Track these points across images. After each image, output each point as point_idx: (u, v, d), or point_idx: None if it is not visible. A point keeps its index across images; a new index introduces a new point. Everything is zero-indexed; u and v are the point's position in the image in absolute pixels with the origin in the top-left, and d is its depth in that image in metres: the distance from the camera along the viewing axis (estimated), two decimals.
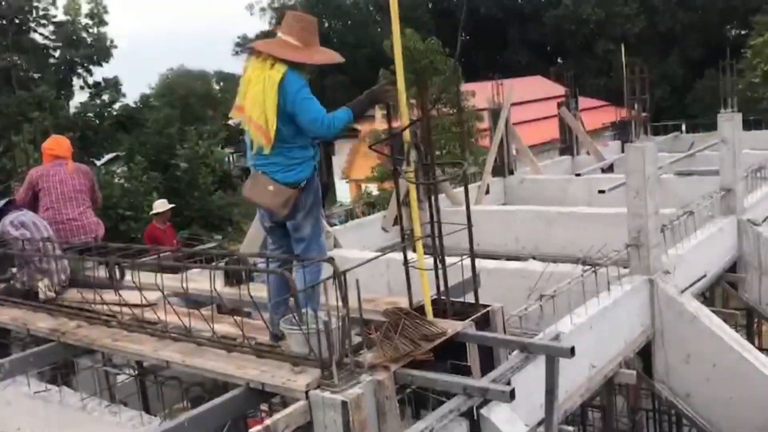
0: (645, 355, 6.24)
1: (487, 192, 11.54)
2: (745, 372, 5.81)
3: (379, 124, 26.73)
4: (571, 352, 3.70)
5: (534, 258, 8.95)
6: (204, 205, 16.41)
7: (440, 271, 4.33)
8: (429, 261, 4.40)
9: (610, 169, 13.50)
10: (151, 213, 10.84)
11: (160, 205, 10.19)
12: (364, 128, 29.31)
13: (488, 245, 9.53)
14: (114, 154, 20.10)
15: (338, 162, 34.60)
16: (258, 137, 4.01)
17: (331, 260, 3.59)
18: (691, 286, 6.59)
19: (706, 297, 8.08)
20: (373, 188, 25.91)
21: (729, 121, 8.21)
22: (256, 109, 3.99)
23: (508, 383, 3.83)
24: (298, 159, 4.14)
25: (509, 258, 9.10)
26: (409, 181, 4.12)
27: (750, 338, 8.73)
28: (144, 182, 15.56)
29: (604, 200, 10.58)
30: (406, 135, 4.17)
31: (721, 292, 9.09)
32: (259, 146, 4.06)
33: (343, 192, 32.23)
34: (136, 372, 6.06)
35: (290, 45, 4.10)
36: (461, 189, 11.17)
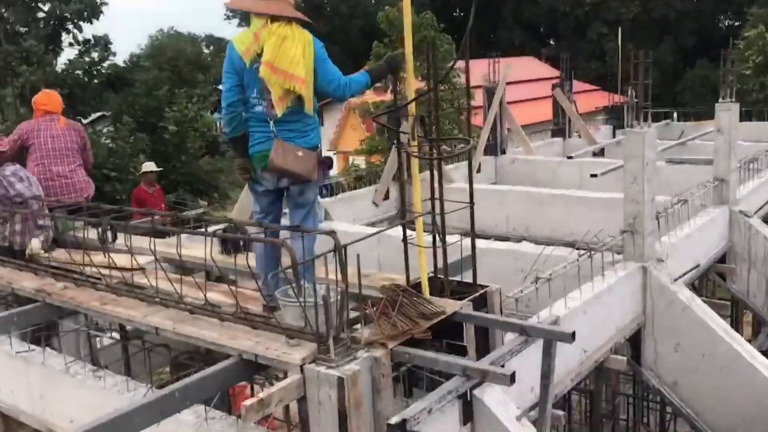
0: (634, 341, 6.23)
1: (478, 171, 11.46)
2: (733, 363, 5.83)
3: (370, 96, 26.58)
4: (572, 337, 3.66)
5: (525, 239, 8.92)
6: (191, 169, 16.20)
7: (439, 250, 4.25)
8: (427, 238, 4.33)
9: (601, 153, 13.46)
10: (138, 174, 10.67)
11: (148, 166, 10.03)
12: (354, 100, 29.14)
13: (478, 224, 9.45)
14: (101, 113, 19.76)
15: (326, 133, 34.37)
16: (305, 91, 4.08)
17: (332, 233, 3.50)
18: (683, 275, 6.58)
19: (695, 287, 8.10)
20: (361, 161, 25.78)
21: (726, 111, 8.16)
22: (299, 67, 4.04)
23: (502, 366, 3.79)
24: (311, 125, 4.31)
25: (498, 238, 9.06)
26: (413, 155, 4.02)
27: (736, 329, 8.78)
28: (131, 143, 15.30)
29: (595, 184, 10.55)
30: (412, 108, 4.07)
31: (708, 282, 9.14)
32: (291, 107, 4.11)
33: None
34: (121, 336, 5.97)
35: (293, 6, 4.22)
36: (451, 166, 11.13)
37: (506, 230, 9.63)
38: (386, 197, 10.27)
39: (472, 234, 4.25)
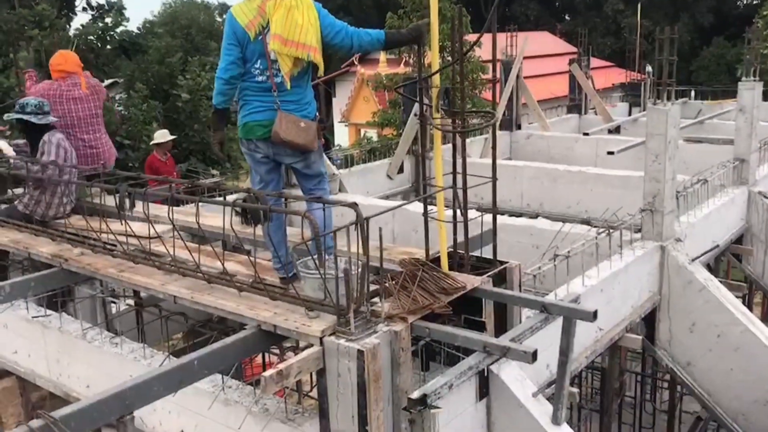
0: (649, 321, 6.21)
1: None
2: (749, 345, 5.80)
3: (383, 68, 26.35)
4: (594, 315, 3.62)
5: (539, 215, 8.87)
6: (203, 138, 16.14)
7: (459, 225, 4.20)
8: (447, 213, 4.28)
9: (617, 130, 13.34)
10: (151, 143, 10.60)
11: (161, 136, 9.94)
12: (367, 71, 28.89)
13: (490, 199, 9.42)
14: (113, 80, 19.68)
15: (338, 104, 34.14)
16: (318, 58, 4.07)
17: (354, 205, 3.46)
18: (701, 255, 6.52)
19: (711, 267, 8.04)
20: (373, 134, 25.64)
21: (750, 89, 8.04)
22: (310, 35, 4.01)
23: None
24: (309, 97, 4.28)
25: (512, 214, 9.01)
26: (437, 127, 3.96)
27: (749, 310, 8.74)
28: (143, 111, 15.23)
29: (610, 161, 10.47)
30: (437, 79, 4.00)
31: (722, 262, 9.07)
32: (300, 74, 4.10)
33: (343, 135, 31.87)
34: (136, 303, 5.99)
35: None
36: (468, 141, 11.01)
37: (520, 206, 9.58)
38: (400, 170, 10.23)
39: (494, 209, 4.20)
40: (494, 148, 4.16)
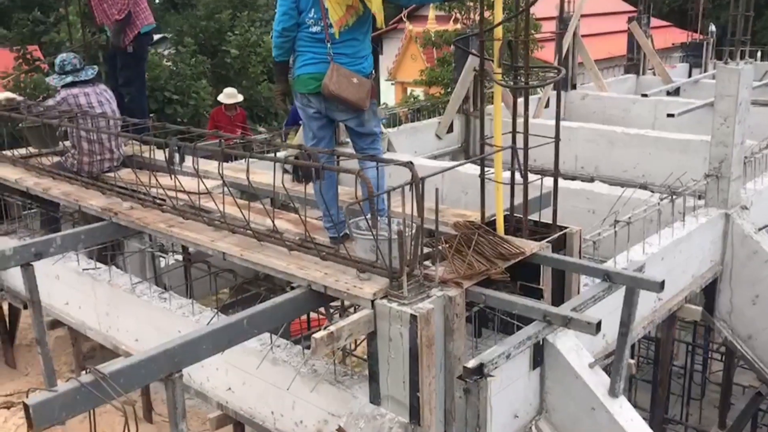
0: (709, 291, 5.96)
1: (547, 105, 11.01)
2: None
3: (431, 25, 25.81)
4: (661, 286, 3.43)
5: (593, 179, 8.58)
6: (252, 95, 16.03)
7: (517, 188, 4.02)
8: (504, 174, 4.10)
9: (676, 92, 12.79)
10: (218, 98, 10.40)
11: (225, 97, 9.65)
12: (415, 28, 28.35)
13: (544, 161, 9.14)
14: (162, 35, 19.63)
15: (385, 62, 33.67)
16: (374, 4, 3.87)
17: (410, 164, 3.31)
18: None
19: None
20: (419, 92, 25.27)
21: None
22: None
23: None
24: (365, 51, 4.09)
25: (565, 177, 8.73)
26: (498, 83, 3.75)
27: None
28: (192, 66, 15.19)
29: (670, 124, 10.03)
30: (499, 32, 3.78)
31: None
32: (350, 27, 3.91)
33: (389, 94, 31.52)
34: (184, 259, 5.98)
35: None
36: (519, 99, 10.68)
37: (574, 169, 9.27)
38: (450, 130, 9.98)
39: (555, 172, 4.01)
40: (558, 106, 3.94)
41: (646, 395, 7.55)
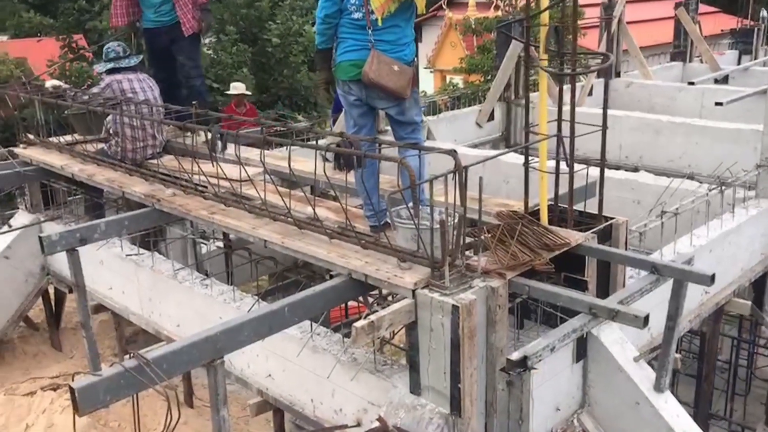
0: (758, 285, 5.79)
1: (590, 93, 10.81)
2: None
3: (472, 12, 25.54)
4: (711, 279, 3.33)
5: (637, 169, 8.40)
6: (292, 84, 16.03)
7: (562, 177, 3.94)
8: (549, 164, 4.02)
9: (724, 80, 12.43)
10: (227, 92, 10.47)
11: (233, 88, 9.63)
12: (455, 15, 28.07)
13: (587, 150, 8.97)
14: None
15: (424, 50, 33.44)
16: None
17: (453, 152, 3.26)
18: None
19: None
20: (459, 80, 25.05)
21: None
22: None
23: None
24: (409, 37, 4.02)
25: (609, 167, 8.56)
26: (545, 70, 3.67)
27: None
28: (233, 54, 15.26)
29: (718, 113, 9.76)
30: (545, 17, 3.69)
31: None
32: (392, 14, 3.83)
33: (428, 82, 31.31)
34: (225, 245, 6.02)
35: None
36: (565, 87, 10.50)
37: (618, 158, 9.08)
38: (490, 118, 9.86)
39: (602, 161, 3.91)
40: (606, 94, 3.85)
41: (688, 389, 7.40)
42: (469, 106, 10.67)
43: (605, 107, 3.84)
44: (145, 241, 5.79)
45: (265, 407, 4.51)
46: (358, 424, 3.81)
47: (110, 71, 6.01)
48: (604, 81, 4.00)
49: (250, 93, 10.23)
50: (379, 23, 3.85)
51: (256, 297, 4.55)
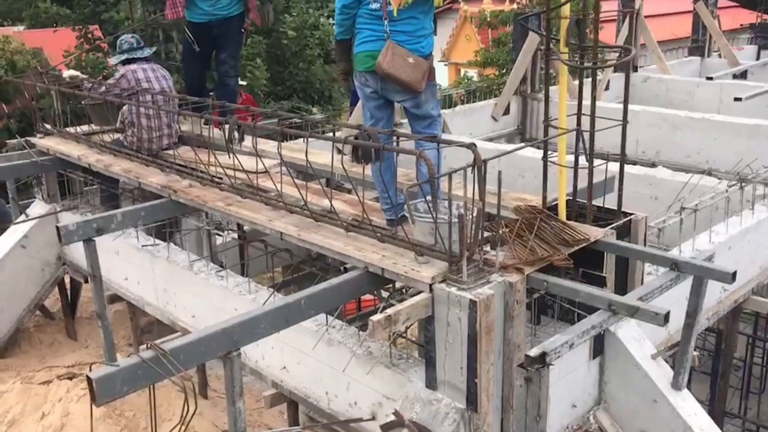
0: None
1: (607, 88, 10.72)
2: None
3: (487, 5, 25.39)
4: (733, 277, 3.29)
5: (654, 164, 8.33)
6: (307, 76, 16.02)
7: (580, 172, 3.90)
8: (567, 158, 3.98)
9: (742, 75, 12.30)
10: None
11: None
12: (471, 8, 27.93)
13: (605, 146, 8.89)
14: None
15: (438, 43, 33.28)
16: None
17: (472, 146, 3.23)
18: None
19: None
20: (473, 74, 24.94)
21: None
22: None
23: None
24: (427, 30, 3.96)
25: (626, 162, 8.49)
26: (565, 63, 3.63)
27: None
28: (247, 46, 15.28)
29: (736, 109, 9.65)
30: (566, 9, 3.65)
31: None
32: (409, 5, 3.78)
33: (442, 75, 31.18)
34: (240, 237, 6.03)
35: None
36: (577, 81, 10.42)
37: (635, 153, 9.00)
38: (506, 112, 9.81)
39: (622, 156, 3.87)
40: (626, 88, 3.80)
41: (701, 387, 7.35)
42: (484, 99, 10.61)
43: (626, 101, 3.80)
44: (160, 231, 5.81)
45: (279, 399, 4.52)
46: (373, 418, 3.81)
47: (125, 62, 6.02)
48: (626, 75, 3.94)
49: (245, 83, 10.00)
50: (395, 14, 3.80)
51: (272, 289, 4.55)
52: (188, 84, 6.80)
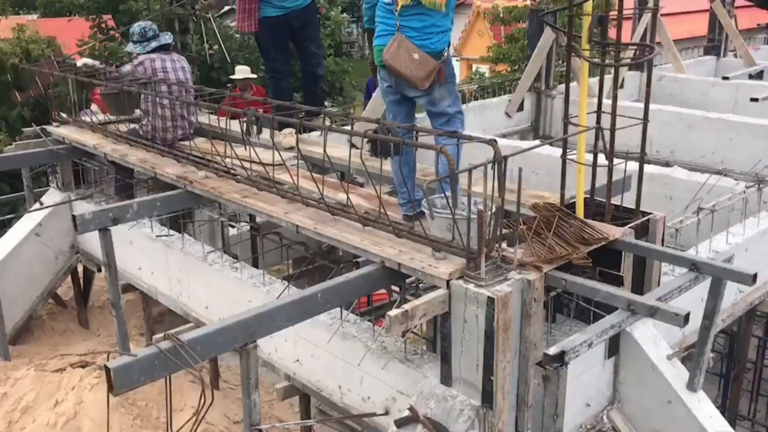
0: None
1: (621, 86, 10.64)
2: None
3: (501, 0, 25.28)
4: (753, 279, 3.27)
5: (668, 164, 8.28)
6: None
7: (599, 171, 3.87)
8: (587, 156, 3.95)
9: (759, 75, 12.21)
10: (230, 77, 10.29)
11: (238, 72, 8.80)
12: (483, 3, 27.82)
13: (621, 144, 8.84)
14: (230, 6, 19.73)
15: (450, 38, 33.16)
16: None
17: (493, 142, 3.21)
18: None
19: None
20: (485, 70, 24.84)
21: None
22: None
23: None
24: (440, 27, 3.91)
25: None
26: (587, 60, 3.60)
27: None
28: None
29: (752, 109, 9.58)
30: (589, 6, 3.62)
31: None
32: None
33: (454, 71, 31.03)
34: (253, 228, 6.03)
35: None
36: (594, 79, 10.36)
37: (649, 153, 8.86)
38: (520, 108, 9.77)
39: (641, 155, 3.85)
40: (648, 86, 3.78)
41: (710, 388, 7.32)
42: (496, 96, 10.57)
43: (647, 100, 3.78)
44: (175, 222, 5.82)
45: (292, 392, 4.52)
46: (386, 413, 3.80)
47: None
48: (647, 73, 3.92)
49: (255, 76, 9.78)
50: (397, 9, 3.79)
51: (286, 282, 4.55)
52: (277, 88, 6.25)
